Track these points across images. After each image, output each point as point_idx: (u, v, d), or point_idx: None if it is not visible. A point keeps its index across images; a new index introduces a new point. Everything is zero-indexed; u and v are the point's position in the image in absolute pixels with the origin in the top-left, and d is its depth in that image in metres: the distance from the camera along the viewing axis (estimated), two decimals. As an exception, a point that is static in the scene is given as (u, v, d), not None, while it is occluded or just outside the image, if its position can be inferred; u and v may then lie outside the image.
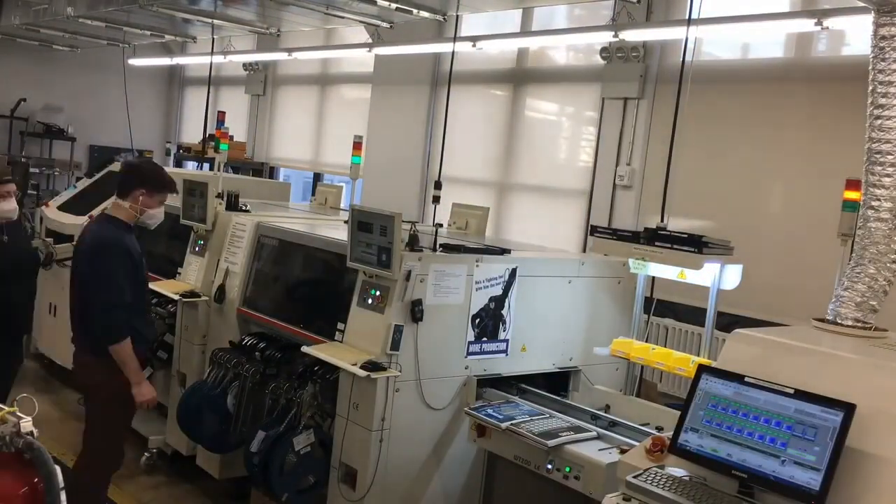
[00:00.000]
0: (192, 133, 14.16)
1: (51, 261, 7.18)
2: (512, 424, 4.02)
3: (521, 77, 9.08)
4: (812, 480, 2.72)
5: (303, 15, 8.91)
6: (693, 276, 4.18)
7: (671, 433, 3.15)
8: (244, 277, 5.38)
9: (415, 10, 8.06)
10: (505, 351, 4.71)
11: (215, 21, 9.62)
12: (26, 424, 2.13)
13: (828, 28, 5.67)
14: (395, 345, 4.22)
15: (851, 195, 3.61)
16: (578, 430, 4.02)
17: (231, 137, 10.29)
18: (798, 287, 6.21)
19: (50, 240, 6.99)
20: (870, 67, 3.41)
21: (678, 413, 3.18)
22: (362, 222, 4.36)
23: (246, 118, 13.05)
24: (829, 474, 2.70)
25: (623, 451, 3.56)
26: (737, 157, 7.01)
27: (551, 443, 3.84)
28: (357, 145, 6.32)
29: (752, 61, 7.32)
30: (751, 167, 6.92)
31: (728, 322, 5.50)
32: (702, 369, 3.17)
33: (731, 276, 4.15)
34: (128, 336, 4.26)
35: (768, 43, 7.11)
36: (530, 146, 8.86)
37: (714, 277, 4.13)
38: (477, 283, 4.54)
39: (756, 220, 6.72)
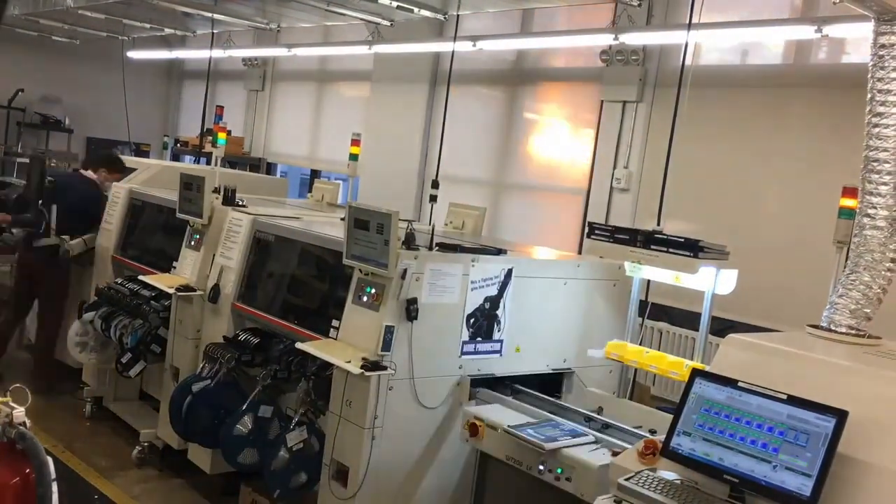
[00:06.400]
0: (189, 127, 14.13)
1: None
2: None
3: (521, 77, 9.08)
4: (803, 486, 2.72)
5: (303, 11, 8.90)
6: (688, 281, 4.19)
7: (664, 436, 3.15)
8: (240, 273, 5.38)
9: (415, 9, 8.06)
10: (499, 351, 4.71)
11: (215, 15, 9.61)
12: (19, 414, 2.12)
13: (827, 35, 5.68)
14: (387, 345, 4.21)
15: (848, 203, 3.63)
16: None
17: (229, 132, 10.29)
18: (793, 293, 6.22)
19: (66, 237, 6.98)
20: (869, 75, 3.41)
21: (671, 416, 3.18)
22: (359, 220, 4.36)
23: (244, 113, 13.04)
24: (821, 480, 2.70)
25: (615, 454, 3.56)
26: (734, 163, 7.02)
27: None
28: (355, 142, 6.33)
29: (751, 67, 7.33)
30: (748, 172, 6.94)
31: (722, 327, 5.52)
32: (695, 373, 3.18)
33: (727, 280, 4.16)
34: None
35: (768, 49, 7.12)
36: (528, 147, 8.87)
37: (709, 282, 4.13)
38: (472, 282, 4.54)
39: (752, 226, 6.73)
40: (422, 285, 4.34)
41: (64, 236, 6.93)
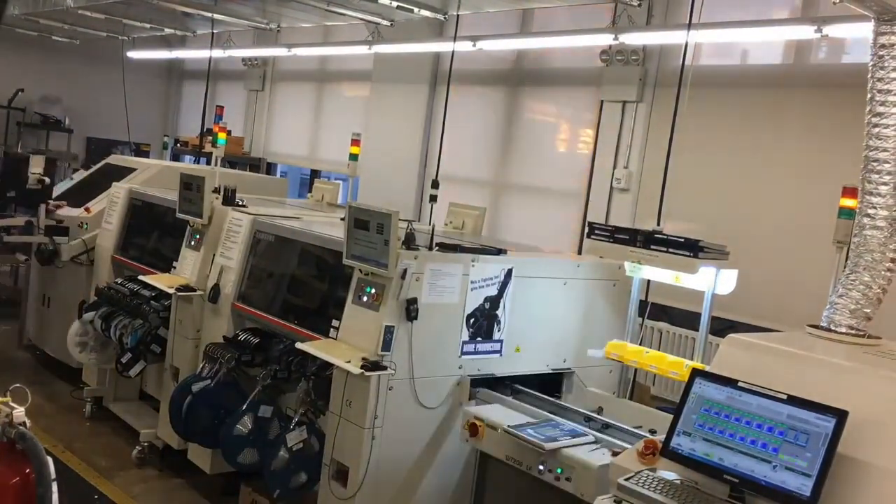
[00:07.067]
0: (189, 127, 14.13)
1: (54, 258, 7.17)
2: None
3: (521, 78, 9.08)
4: (803, 486, 2.72)
5: (303, 11, 8.90)
6: (688, 281, 4.19)
7: (664, 436, 3.15)
8: (240, 273, 5.38)
9: (415, 9, 8.05)
10: (499, 351, 4.71)
11: (215, 15, 9.61)
12: (19, 414, 2.13)
13: (827, 35, 5.68)
14: (387, 345, 4.22)
15: (848, 203, 3.63)
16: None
17: (229, 132, 10.31)
18: (793, 293, 6.22)
19: (64, 239, 6.99)
20: (869, 75, 3.42)
21: (671, 416, 3.19)
22: (359, 220, 4.36)
23: (244, 113, 13.04)
24: (821, 480, 2.70)
25: (615, 454, 3.56)
26: (734, 163, 7.02)
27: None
28: (355, 142, 6.34)
29: (751, 67, 7.32)
30: (748, 173, 6.93)
31: (722, 327, 5.52)
32: (695, 373, 3.18)
33: (727, 280, 4.16)
34: None
35: (768, 49, 7.12)
36: (528, 147, 8.86)
37: (709, 282, 4.13)
38: (472, 282, 4.54)
39: (752, 226, 6.73)
40: (422, 285, 4.34)
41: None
